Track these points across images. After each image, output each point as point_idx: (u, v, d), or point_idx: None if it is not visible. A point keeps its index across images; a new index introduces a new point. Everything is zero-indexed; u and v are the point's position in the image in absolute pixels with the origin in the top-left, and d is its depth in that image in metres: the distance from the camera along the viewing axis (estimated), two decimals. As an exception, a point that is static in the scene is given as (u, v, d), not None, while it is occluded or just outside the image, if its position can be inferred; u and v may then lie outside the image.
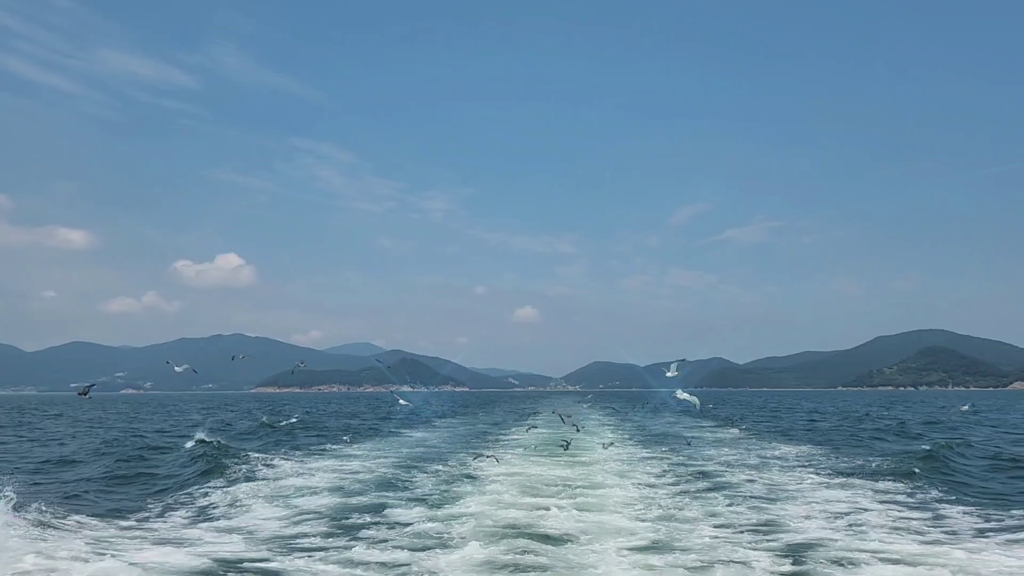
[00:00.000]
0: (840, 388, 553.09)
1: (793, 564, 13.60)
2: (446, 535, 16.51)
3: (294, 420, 65.65)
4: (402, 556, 14.57)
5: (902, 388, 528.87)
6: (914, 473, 25.25)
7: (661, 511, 19.47)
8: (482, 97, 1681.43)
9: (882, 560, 13.58)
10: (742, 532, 16.61)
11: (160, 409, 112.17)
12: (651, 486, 24.33)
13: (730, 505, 20.33)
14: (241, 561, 13.97)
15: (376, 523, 18.12)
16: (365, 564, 13.99)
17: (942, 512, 18.74)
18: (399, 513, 19.41)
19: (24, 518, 16.78)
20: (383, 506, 20.39)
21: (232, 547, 15.31)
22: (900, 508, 19.51)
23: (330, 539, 16.36)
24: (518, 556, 14.42)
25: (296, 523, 18.16)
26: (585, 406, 72.80)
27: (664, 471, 28.22)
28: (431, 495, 22.42)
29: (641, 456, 33.73)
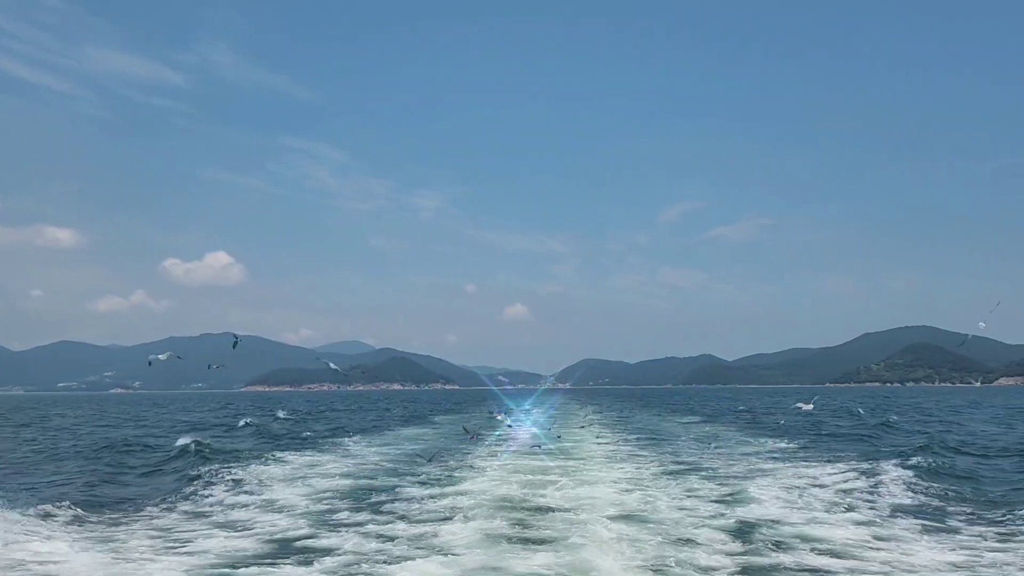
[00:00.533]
0: (827, 384, 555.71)
1: (743, 543, 15.41)
2: (452, 510, 19.02)
3: (292, 417, 67.42)
4: (418, 529, 16.92)
5: (888, 384, 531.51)
6: (884, 465, 27.07)
7: (643, 492, 21.76)
8: (473, 96, 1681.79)
9: (820, 551, 14.95)
10: (708, 512, 18.71)
11: (158, 408, 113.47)
12: (638, 470, 26.80)
13: (705, 485, 22.73)
14: (291, 540, 16.19)
15: (392, 501, 20.79)
16: (387, 537, 16.27)
17: (893, 505, 20.32)
18: (410, 492, 22.06)
19: (89, 519, 18.87)
20: (394, 487, 23.09)
21: (273, 528, 17.64)
22: (856, 498, 21.30)
23: (356, 515, 18.88)
24: (515, 525, 16.96)
25: (321, 504, 20.61)
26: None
27: (651, 460, 30.26)
28: (437, 479, 25.01)
29: (633, 449, 35.64)
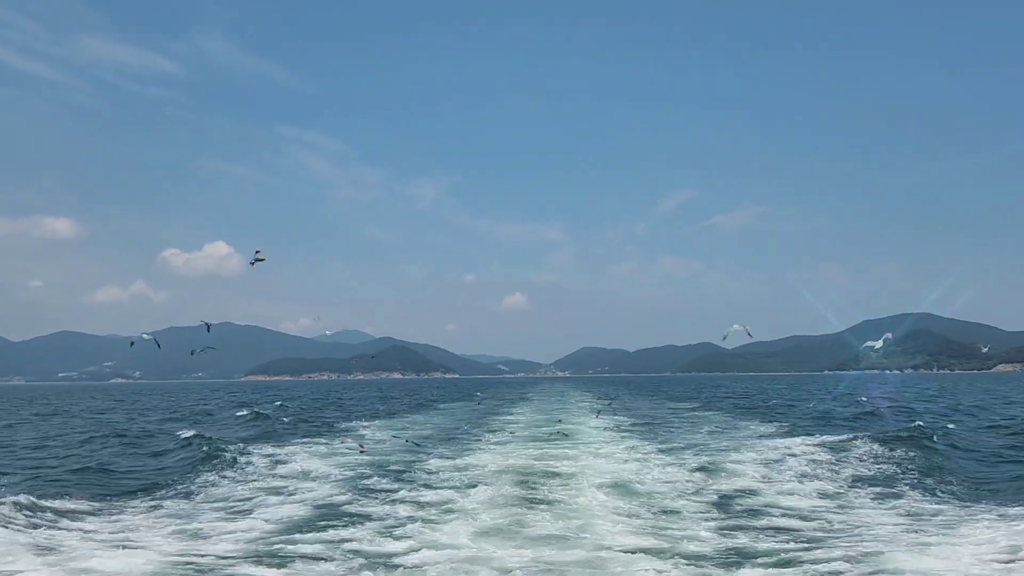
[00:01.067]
0: (826, 372, 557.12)
1: (720, 512, 17.85)
2: (467, 479, 22.34)
3: (303, 406, 69.87)
4: (441, 496, 19.76)
5: (887, 371, 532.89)
6: (855, 442, 29.53)
7: (638, 464, 24.89)
8: (471, 89, 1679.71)
9: (789, 515, 17.54)
10: (693, 484, 21.47)
11: (170, 397, 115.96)
12: (634, 449, 29.65)
13: (693, 461, 25.48)
14: (336, 505, 18.99)
15: (414, 472, 24.02)
16: (417, 503, 19.11)
17: (855, 476, 23.18)
18: (429, 466, 25.31)
19: (159, 496, 21.75)
20: (414, 462, 26.37)
21: (316, 495, 20.53)
22: (824, 470, 24.28)
23: (384, 484, 21.90)
24: (522, 493, 19.77)
25: (351, 476, 23.56)
26: None
27: (646, 440, 33.27)
28: (450, 454, 28.36)
29: (630, 432, 38.17)
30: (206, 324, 33.13)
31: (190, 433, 37.01)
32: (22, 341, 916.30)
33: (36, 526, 16.23)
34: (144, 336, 30.30)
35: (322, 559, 13.56)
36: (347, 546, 14.52)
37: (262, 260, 19.57)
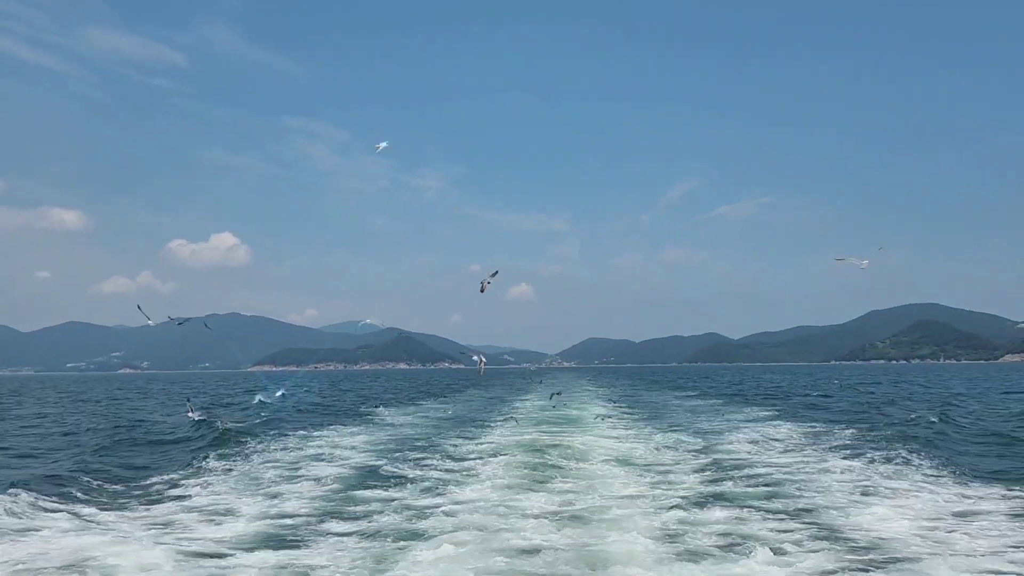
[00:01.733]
0: (833, 362, 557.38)
1: (713, 472, 21.00)
2: (486, 451, 25.74)
3: (320, 393, 72.45)
4: (464, 465, 22.95)
5: (894, 361, 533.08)
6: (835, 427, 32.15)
7: (639, 443, 27.88)
8: (472, 87, 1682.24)
9: (768, 467, 21.20)
10: (688, 456, 24.56)
11: (189, 387, 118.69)
12: (637, 431, 32.79)
13: (690, 440, 28.70)
14: (375, 468, 22.30)
15: (436, 446, 27.51)
16: (443, 469, 22.27)
17: (831, 445, 26.41)
18: (449, 442, 28.81)
19: (228, 457, 25.07)
20: (433, 439, 29.84)
21: (356, 462, 23.86)
22: (806, 443, 27.69)
23: (413, 455, 25.06)
24: (535, 461, 22.86)
25: (383, 448, 26.97)
26: None
27: (648, 423, 36.51)
28: (467, 434, 31.95)
29: (633, 417, 40.96)
30: (204, 322, 35.43)
31: (227, 419, 39.76)
32: (30, 332, 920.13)
33: (129, 505, 17.99)
34: (149, 323, 32.40)
35: (379, 513, 16.31)
36: (395, 502, 17.36)
37: (489, 283, 23.02)
